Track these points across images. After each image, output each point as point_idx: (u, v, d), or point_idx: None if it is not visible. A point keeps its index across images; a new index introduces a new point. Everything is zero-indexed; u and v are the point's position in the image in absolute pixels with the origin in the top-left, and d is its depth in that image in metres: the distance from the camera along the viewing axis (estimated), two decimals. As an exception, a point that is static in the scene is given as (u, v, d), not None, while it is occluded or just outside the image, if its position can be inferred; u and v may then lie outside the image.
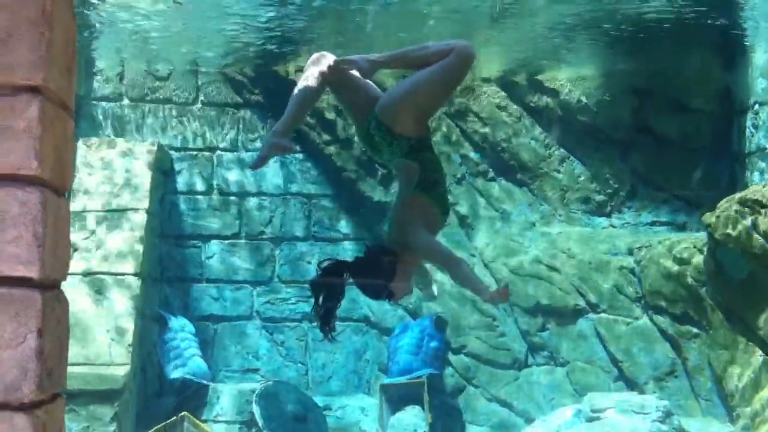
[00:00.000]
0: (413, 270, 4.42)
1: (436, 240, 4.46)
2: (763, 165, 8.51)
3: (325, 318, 4.25)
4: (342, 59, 4.36)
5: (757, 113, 8.66)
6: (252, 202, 9.82)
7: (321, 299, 4.22)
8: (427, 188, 4.30)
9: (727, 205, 7.34)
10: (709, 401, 8.06)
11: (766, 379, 7.13)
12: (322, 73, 4.35)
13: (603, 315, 8.69)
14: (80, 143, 9.00)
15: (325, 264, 4.30)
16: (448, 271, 4.47)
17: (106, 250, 8.47)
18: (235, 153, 9.82)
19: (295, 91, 4.41)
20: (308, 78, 4.37)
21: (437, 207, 4.35)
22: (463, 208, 9.56)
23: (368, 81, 4.44)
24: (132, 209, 8.73)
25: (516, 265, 9.03)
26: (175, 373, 8.90)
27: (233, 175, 9.82)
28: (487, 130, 9.61)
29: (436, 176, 4.36)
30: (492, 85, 9.69)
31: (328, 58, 4.37)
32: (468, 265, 4.46)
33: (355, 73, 4.38)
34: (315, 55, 4.46)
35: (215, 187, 9.82)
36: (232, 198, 9.82)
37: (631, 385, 8.44)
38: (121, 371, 7.86)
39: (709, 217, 7.56)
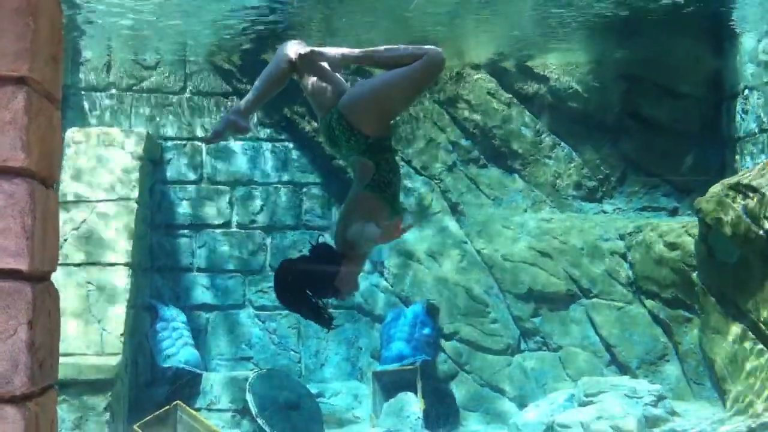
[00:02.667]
0: (360, 268, 4.39)
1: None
2: (753, 149, 8.53)
3: (317, 316, 4.24)
4: (313, 50, 4.34)
5: (746, 98, 8.68)
6: (242, 191, 9.80)
7: (296, 308, 4.23)
8: (379, 188, 4.25)
9: (718, 190, 7.36)
10: (701, 385, 8.10)
11: (757, 361, 7.15)
12: (290, 61, 4.35)
13: (595, 300, 8.71)
14: (68, 133, 8.95)
15: (275, 271, 4.31)
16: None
17: (96, 240, 8.43)
18: (225, 142, 9.77)
19: (262, 74, 4.42)
20: (277, 63, 4.39)
21: (387, 207, 4.29)
22: (454, 196, 9.56)
23: (336, 74, 4.43)
24: (121, 199, 8.69)
25: (508, 251, 9.04)
26: (167, 363, 8.89)
27: (223, 164, 9.79)
28: (477, 116, 9.60)
29: (390, 177, 4.29)
30: (482, 71, 9.68)
31: (300, 47, 4.36)
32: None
33: (324, 64, 4.37)
34: (286, 43, 4.46)
35: (205, 176, 9.79)
36: (223, 187, 9.79)
37: (624, 369, 8.48)
38: (114, 361, 7.84)
39: (700, 202, 7.58)
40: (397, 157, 4.47)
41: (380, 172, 4.27)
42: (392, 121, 4.57)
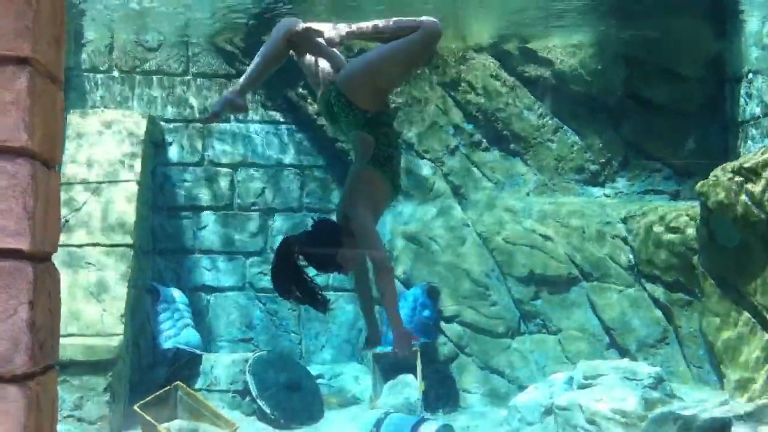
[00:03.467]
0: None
1: (376, 232, 4.37)
2: (755, 133, 8.51)
3: (311, 298, 4.24)
4: (309, 27, 4.33)
5: (750, 82, 8.65)
6: (244, 173, 9.80)
7: (292, 290, 4.22)
8: (380, 163, 4.28)
9: (720, 174, 7.35)
10: (701, 368, 8.12)
11: (757, 346, 7.17)
12: (287, 39, 4.34)
13: (595, 283, 8.72)
14: (70, 115, 8.94)
15: (276, 247, 4.32)
16: (375, 272, 4.35)
17: (98, 221, 8.44)
18: (227, 124, 9.78)
19: (259, 53, 4.42)
20: (273, 41, 4.38)
21: (388, 182, 4.33)
22: (456, 179, 9.55)
23: (333, 50, 4.42)
24: (124, 181, 8.69)
25: (509, 234, 9.05)
26: (168, 344, 8.92)
27: (225, 146, 9.78)
28: (480, 99, 9.57)
29: (391, 151, 4.34)
30: (484, 54, 9.64)
31: (296, 24, 4.36)
32: (393, 279, 4.36)
33: (321, 41, 4.36)
34: (283, 20, 4.45)
35: (207, 158, 9.78)
36: (225, 169, 9.79)
37: (623, 352, 8.49)
38: (114, 342, 7.87)
39: (702, 186, 7.57)
40: (396, 134, 4.48)
41: (380, 147, 4.29)
42: (390, 95, 4.56)
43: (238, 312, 9.71)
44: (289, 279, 4.20)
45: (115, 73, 9.73)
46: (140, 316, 8.85)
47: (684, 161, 9.28)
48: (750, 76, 8.64)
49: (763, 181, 6.98)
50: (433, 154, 9.60)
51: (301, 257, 4.18)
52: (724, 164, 7.54)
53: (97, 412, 7.60)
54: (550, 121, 9.57)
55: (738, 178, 7.14)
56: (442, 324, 9.13)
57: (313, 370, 9.25)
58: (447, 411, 8.81)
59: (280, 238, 9.51)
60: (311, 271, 4.28)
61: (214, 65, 9.82)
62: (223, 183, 9.77)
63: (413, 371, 8.64)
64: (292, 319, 9.75)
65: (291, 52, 4.46)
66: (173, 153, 9.74)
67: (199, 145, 9.77)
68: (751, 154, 7.60)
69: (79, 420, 7.60)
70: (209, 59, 9.81)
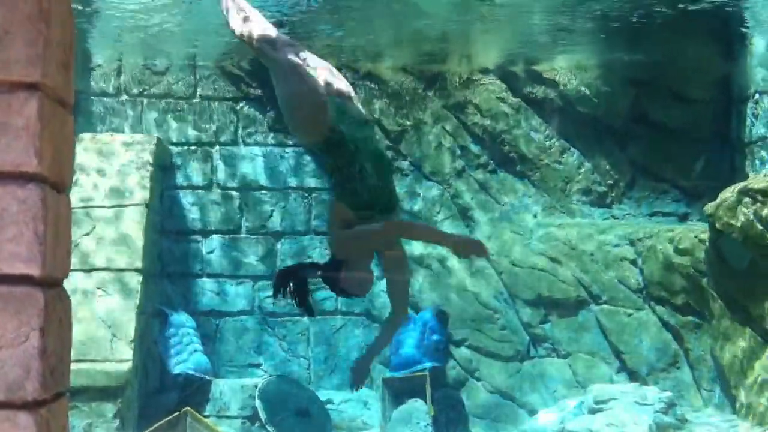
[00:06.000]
0: (363, 264, 4.40)
1: (356, 229, 4.32)
2: (763, 154, 8.50)
3: (302, 299, 4.29)
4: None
5: (756, 102, 8.64)
6: (252, 196, 9.80)
7: (287, 288, 4.27)
8: (340, 192, 4.27)
9: (729, 195, 7.33)
10: (712, 392, 8.06)
11: (768, 368, 7.12)
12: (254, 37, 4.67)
13: (605, 306, 8.68)
14: (78, 139, 8.97)
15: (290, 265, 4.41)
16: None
17: (106, 246, 8.45)
18: (235, 147, 9.80)
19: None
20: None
21: (354, 208, 4.26)
22: (463, 201, 9.54)
23: (311, 68, 4.52)
24: (132, 205, 8.71)
25: (517, 257, 9.02)
26: (177, 369, 8.90)
27: (233, 170, 9.80)
28: (486, 121, 9.58)
29: (352, 171, 4.17)
30: (490, 76, 9.67)
31: (289, 42, 4.69)
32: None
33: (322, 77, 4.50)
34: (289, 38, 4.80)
35: (215, 181, 9.80)
36: (233, 192, 9.80)
37: (634, 376, 8.44)
38: (123, 367, 7.85)
39: (710, 207, 7.55)
40: (368, 146, 4.40)
41: (341, 170, 4.24)
42: (321, 117, 4.30)
43: (246, 337, 9.69)
44: (292, 277, 4.23)
45: (124, 97, 9.77)
46: (148, 340, 8.83)
47: (692, 183, 9.27)
48: (756, 96, 8.63)
49: (772, 202, 6.95)
50: (439, 176, 9.61)
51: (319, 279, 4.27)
52: (732, 185, 7.52)
53: (105, 438, 7.58)
54: (556, 143, 9.57)
55: (746, 200, 7.12)
56: (452, 348, 9.09)
57: (322, 395, 9.21)
58: (456, 435, 8.76)
59: (288, 262, 9.58)
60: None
61: (221, 88, 9.86)
62: (231, 206, 9.78)
63: (423, 396, 8.60)
64: (300, 344, 9.72)
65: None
66: (181, 176, 9.75)
67: (207, 168, 9.79)
68: (759, 175, 7.59)
69: (87, 446, 7.57)
70: (217, 83, 9.84)
